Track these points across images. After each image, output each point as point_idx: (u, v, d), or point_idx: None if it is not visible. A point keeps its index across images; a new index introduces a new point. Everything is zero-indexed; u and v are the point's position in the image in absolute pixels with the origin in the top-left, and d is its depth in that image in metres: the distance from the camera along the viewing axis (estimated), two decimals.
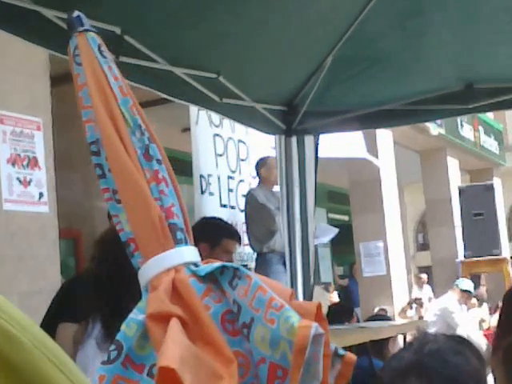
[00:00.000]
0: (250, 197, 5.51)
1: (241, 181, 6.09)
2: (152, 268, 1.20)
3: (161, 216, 1.20)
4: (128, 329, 1.15)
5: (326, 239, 6.21)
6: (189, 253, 1.23)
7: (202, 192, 5.52)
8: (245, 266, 5.41)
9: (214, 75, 3.60)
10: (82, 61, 1.27)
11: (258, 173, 5.68)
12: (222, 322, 1.18)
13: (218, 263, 1.19)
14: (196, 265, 1.22)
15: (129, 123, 1.25)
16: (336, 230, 6.08)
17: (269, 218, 5.28)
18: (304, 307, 1.14)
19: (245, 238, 5.45)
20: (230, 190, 5.92)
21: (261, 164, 5.64)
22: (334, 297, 10.50)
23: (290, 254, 4.45)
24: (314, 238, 4.67)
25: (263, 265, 5.27)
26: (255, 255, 5.54)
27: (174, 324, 1.10)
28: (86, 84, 1.25)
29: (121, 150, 1.21)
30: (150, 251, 1.20)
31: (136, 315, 1.16)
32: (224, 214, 5.52)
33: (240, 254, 5.73)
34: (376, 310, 8.53)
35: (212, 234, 3.43)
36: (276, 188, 5.47)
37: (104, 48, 1.31)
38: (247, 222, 5.52)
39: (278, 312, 1.11)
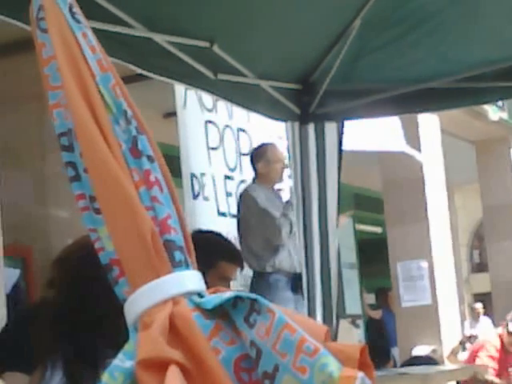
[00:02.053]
0: (246, 197, 5.42)
1: (242, 181, 6.08)
2: (143, 299, 1.20)
3: (154, 231, 1.20)
4: (112, 380, 1.14)
5: None
6: (191, 279, 1.23)
7: (195, 196, 5.51)
8: None
9: (206, 44, 3.61)
10: (49, 26, 1.27)
11: (254, 166, 5.60)
12: (236, 370, 1.17)
13: (229, 293, 1.19)
14: (200, 295, 1.22)
15: (110, 108, 1.26)
16: None
17: (272, 228, 5.20)
18: (344, 351, 1.14)
19: None
20: (229, 194, 5.92)
21: (257, 156, 5.54)
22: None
23: (308, 278, 4.45)
24: (337, 257, 4.67)
25: (265, 289, 5.13)
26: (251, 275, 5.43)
27: (173, 373, 1.10)
28: (55, 57, 1.25)
29: (100, 144, 1.21)
30: (140, 277, 1.20)
31: (122, 362, 1.16)
32: (223, 225, 5.49)
33: (244, 277, 5.63)
34: (417, 350, 8.49)
35: (206, 253, 3.41)
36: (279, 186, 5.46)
37: (77, 9, 1.31)
38: (241, 230, 5.42)
39: (312, 358, 1.10)
